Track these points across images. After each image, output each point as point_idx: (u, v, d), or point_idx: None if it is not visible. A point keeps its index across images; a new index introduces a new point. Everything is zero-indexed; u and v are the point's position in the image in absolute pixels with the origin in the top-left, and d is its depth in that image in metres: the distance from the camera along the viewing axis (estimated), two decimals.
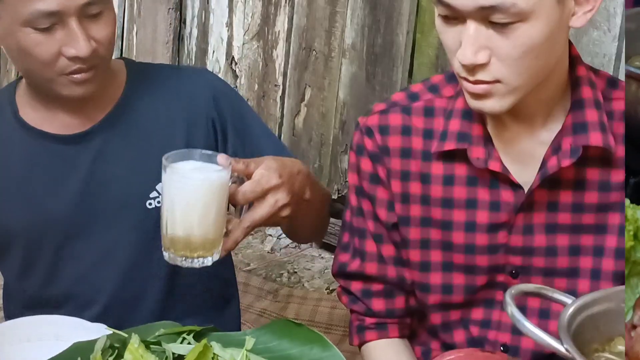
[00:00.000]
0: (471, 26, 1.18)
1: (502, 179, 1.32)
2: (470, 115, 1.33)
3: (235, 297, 1.73)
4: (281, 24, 3.04)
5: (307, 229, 1.60)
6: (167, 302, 1.57)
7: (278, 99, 3.09)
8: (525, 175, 1.32)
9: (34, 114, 1.53)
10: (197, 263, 1.26)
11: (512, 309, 1.02)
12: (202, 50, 3.36)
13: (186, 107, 1.56)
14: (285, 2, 3.01)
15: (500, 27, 1.17)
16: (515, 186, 1.32)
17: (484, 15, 1.16)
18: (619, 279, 1.34)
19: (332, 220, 2.95)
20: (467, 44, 1.18)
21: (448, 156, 1.35)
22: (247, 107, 1.66)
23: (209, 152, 1.28)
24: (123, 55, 3.65)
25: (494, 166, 1.31)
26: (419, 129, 1.38)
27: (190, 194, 1.23)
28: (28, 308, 1.57)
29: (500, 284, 1.38)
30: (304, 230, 1.59)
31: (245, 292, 2.86)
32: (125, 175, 1.53)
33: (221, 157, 1.26)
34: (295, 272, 3.06)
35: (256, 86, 3.14)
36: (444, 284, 1.40)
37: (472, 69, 1.20)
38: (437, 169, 1.36)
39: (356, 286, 1.47)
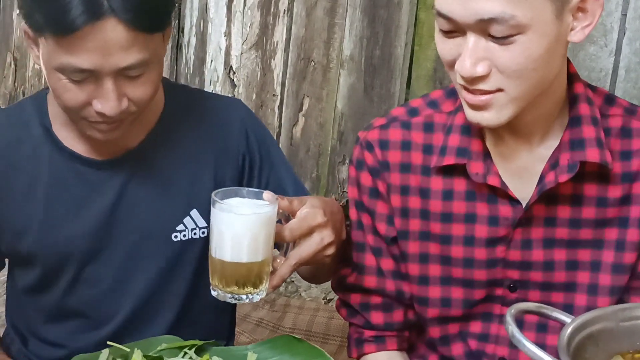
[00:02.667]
0: (470, 38, 1.19)
1: (500, 194, 1.33)
2: (469, 130, 1.34)
3: (234, 319, 1.73)
4: (279, 34, 3.05)
5: (332, 271, 1.57)
6: (177, 330, 1.54)
7: (276, 109, 3.10)
8: (524, 190, 1.33)
9: (66, 133, 1.50)
10: (245, 299, 1.25)
11: (512, 329, 1.03)
12: (200, 60, 3.37)
13: (218, 138, 1.56)
14: (284, 13, 3.02)
15: (499, 39, 1.18)
16: (514, 201, 1.33)
17: (483, 28, 1.17)
18: (616, 293, 1.35)
19: None
20: (466, 56, 1.19)
21: (447, 171, 1.36)
22: (274, 143, 1.65)
23: (255, 189, 1.28)
24: None
25: (492, 181, 1.32)
26: (418, 144, 1.39)
27: (239, 228, 1.22)
28: (45, 321, 1.56)
29: (498, 298, 1.39)
30: (329, 271, 1.56)
31: None
32: (152, 204, 1.51)
33: (267, 194, 1.26)
34: (293, 282, 3.06)
35: (254, 96, 3.14)
36: (443, 297, 1.40)
37: (472, 80, 1.21)
38: (437, 183, 1.37)
39: (355, 299, 1.48)
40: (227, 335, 1.69)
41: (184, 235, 1.52)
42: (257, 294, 1.24)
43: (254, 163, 1.58)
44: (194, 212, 1.53)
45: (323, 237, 1.28)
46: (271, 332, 2.69)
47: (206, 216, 1.52)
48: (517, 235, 1.34)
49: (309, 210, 1.28)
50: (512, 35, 1.17)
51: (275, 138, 3.09)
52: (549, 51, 1.20)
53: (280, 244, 1.31)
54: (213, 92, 3.22)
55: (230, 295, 1.24)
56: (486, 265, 1.37)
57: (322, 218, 1.28)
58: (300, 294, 2.99)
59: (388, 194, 1.40)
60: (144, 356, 1.26)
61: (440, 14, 1.20)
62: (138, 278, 1.53)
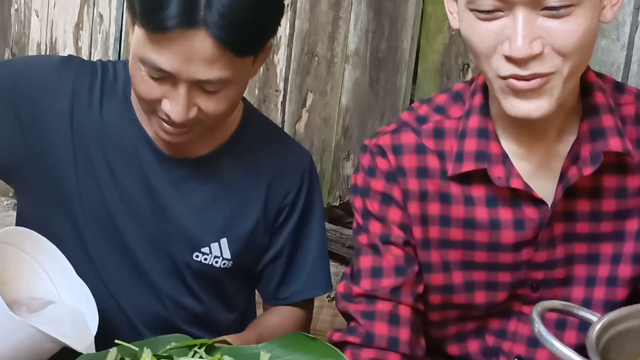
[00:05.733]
0: (521, 15, 1.13)
1: (523, 196, 1.29)
2: (486, 133, 1.29)
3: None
4: (282, 28, 3.02)
5: None
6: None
7: (279, 104, 3.06)
8: (544, 189, 1.30)
9: (140, 111, 1.49)
10: None
11: (539, 327, 1.00)
12: None
13: (274, 179, 1.54)
14: (287, 7, 2.98)
15: (556, 10, 1.12)
16: (538, 202, 1.29)
17: (537, 1, 1.12)
18: (633, 284, 1.33)
19: (332, 227, 2.94)
20: (519, 35, 1.12)
21: (463, 178, 1.31)
22: (320, 210, 1.62)
23: None
24: (122, 59, 3.63)
25: (516, 184, 1.28)
26: (432, 150, 1.34)
27: None
28: None
29: (520, 297, 1.35)
30: None
31: None
32: (189, 217, 1.50)
33: None
34: None
35: (256, 91, 3.11)
36: (467, 303, 1.36)
37: (526, 62, 1.14)
38: (456, 188, 1.33)
39: (357, 308, 1.36)
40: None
41: (205, 259, 1.51)
42: None
43: (290, 219, 1.57)
44: (223, 241, 1.52)
45: None
46: None
47: (233, 250, 1.53)
48: (544, 235, 1.30)
49: None
50: (570, 6, 1.12)
51: None
52: (596, 27, 1.17)
53: None
54: None
55: None
56: (511, 268, 1.33)
57: None
58: None
59: (405, 201, 1.34)
60: (154, 355, 1.23)
61: None
62: (153, 274, 1.52)
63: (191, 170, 1.50)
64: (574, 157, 1.28)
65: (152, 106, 1.38)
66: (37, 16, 4.18)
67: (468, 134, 1.30)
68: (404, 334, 1.34)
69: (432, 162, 1.33)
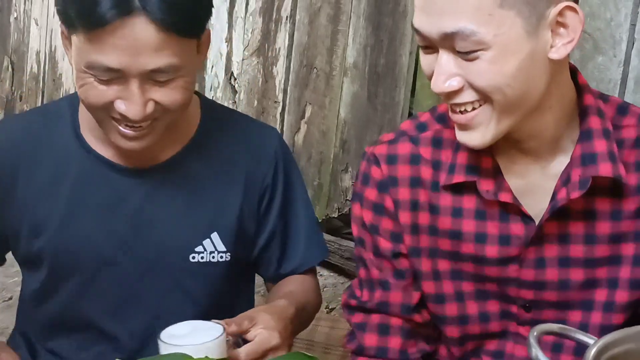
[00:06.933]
0: (442, 55, 1.19)
1: (512, 211, 1.31)
2: None
3: None
4: (282, 40, 3.03)
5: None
6: None
7: (278, 116, 3.08)
8: (536, 207, 1.31)
9: (92, 136, 1.48)
10: None
11: (536, 352, 1.01)
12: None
13: (250, 163, 1.54)
14: (286, 19, 3.00)
15: (464, 54, 1.17)
16: (527, 218, 1.30)
17: (449, 43, 1.17)
18: (630, 309, 1.34)
19: (330, 238, 2.96)
20: (437, 72, 1.20)
21: (456, 189, 1.33)
22: (301, 183, 1.62)
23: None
24: None
25: (504, 197, 1.29)
26: (427, 160, 1.37)
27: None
28: (51, 332, 1.54)
29: (513, 315, 1.36)
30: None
31: None
32: (174, 221, 1.49)
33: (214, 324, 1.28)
34: None
35: (255, 102, 3.13)
36: (460, 314, 1.38)
37: (446, 95, 1.21)
38: (446, 200, 1.35)
39: (356, 319, 1.41)
40: None
41: (202, 257, 1.51)
42: None
43: (274, 198, 1.57)
44: (215, 236, 1.51)
45: (277, 354, 1.32)
46: None
47: (226, 241, 1.52)
48: (530, 254, 1.31)
49: (264, 333, 1.31)
50: (475, 51, 1.16)
51: None
52: (522, 68, 1.18)
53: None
54: (213, 98, 3.20)
55: None
56: (498, 282, 1.34)
57: (277, 340, 1.32)
58: None
59: (396, 211, 1.37)
60: None
61: (414, 29, 1.21)
62: (150, 294, 1.51)
63: (163, 177, 1.49)
64: (565, 180, 1.29)
65: (107, 112, 1.36)
66: (37, 25, 4.19)
67: (461, 147, 1.33)
68: (393, 342, 1.39)
69: (425, 172, 1.36)
